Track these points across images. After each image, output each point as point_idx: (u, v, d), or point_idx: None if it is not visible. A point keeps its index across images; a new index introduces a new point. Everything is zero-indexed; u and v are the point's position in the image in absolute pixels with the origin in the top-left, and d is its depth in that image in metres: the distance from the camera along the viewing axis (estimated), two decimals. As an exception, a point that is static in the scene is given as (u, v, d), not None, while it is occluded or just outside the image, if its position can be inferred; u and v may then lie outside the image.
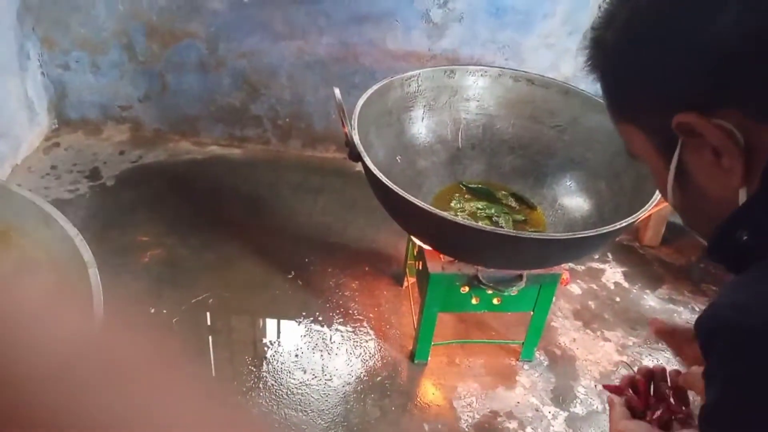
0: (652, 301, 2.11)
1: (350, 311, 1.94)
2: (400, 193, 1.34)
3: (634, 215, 1.38)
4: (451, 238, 1.43)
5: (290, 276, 2.04)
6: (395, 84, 1.76)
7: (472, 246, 1.42)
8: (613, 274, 2.19)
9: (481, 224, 1.37)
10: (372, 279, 2.06)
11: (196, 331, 1.84)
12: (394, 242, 2.18)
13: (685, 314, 2.06)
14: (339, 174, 2.53)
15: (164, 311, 1.85)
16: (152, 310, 1.85)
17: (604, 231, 1.33)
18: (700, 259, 2.29)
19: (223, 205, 2.30)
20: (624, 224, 1.35)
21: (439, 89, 1.84)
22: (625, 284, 2.17)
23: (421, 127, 1.84)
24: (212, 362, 1.77)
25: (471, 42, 2.29)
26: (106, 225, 2.14)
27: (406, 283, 2.02)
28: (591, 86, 2.32)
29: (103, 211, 2.20)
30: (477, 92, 1.87)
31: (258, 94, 2.47)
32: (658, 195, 1.42)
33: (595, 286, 2.14)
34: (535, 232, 1.65)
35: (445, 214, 1.30)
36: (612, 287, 2.15)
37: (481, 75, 1.86)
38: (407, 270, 1.99)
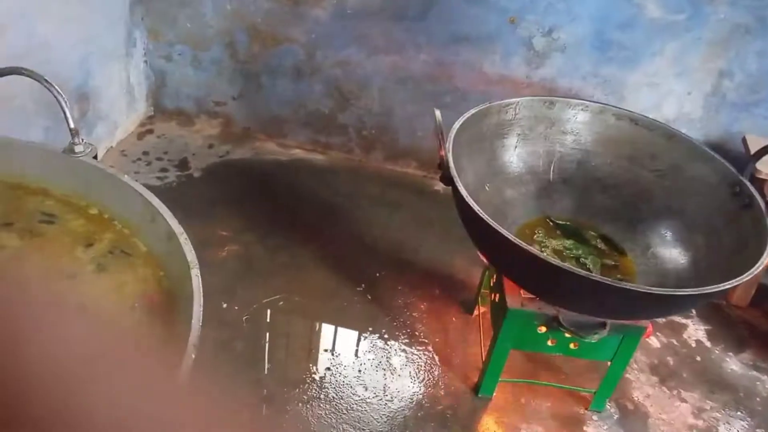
0: (734, 365, 1.98)
1: (416, 333, 1.91)
2: (491, 224, 1.30)
3: (737, 279, 1.29)
4: (537, 276, 1.38)
5: (360, 289, 2.03)
6: (492, 110, 1.72)
7: (559, 287, 1.37)
8: (695, 331, 2.07)
9: (573, 266, 1.31)
10: (441, 303, 2.03)
11: (264, 331, 1.85)
12: (466, 268, 2.14)
13: (771, 385, 1.93)
14: (418, 191, 2.51)
15: (236, 308, 1.87)
16: (224, 305, 1.88)
17: (704, 292, 1.26)
18: (791, 328, 2.15)
19: (302, 209, 2.32)
20: (727, 286, 1.27)
21: (536, 119, 1.80)
22: (708, 343, 2.05)
23: (512, 155, 1.80)
24: (276, 365, 1.77)
25: (571, 73, 2.23)
26: (189, 215, 2.15)
27: (476, 312, 1.97)
28: (695, 133, 2.23)
29: (188, 202, 2.26)
30: (575, 126, 1.81)
31: (347, 103, 2.49)
32: (763, 260, 1.34)
33: (675, 342, 2.03)
34: (624, 281, 1.58)
35: (536, 251, 1.26)
36: (693, 345, 2.03)
37: (582, 109, 1.81)
38: (479, 298, 1.95)
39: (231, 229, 2.16)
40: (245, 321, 1.85)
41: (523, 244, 1.27)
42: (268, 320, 1.88)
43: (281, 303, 1.92)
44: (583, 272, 1.21)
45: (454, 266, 2.16)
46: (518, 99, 1.76)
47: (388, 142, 2.55)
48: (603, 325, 1.52)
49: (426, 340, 1.89)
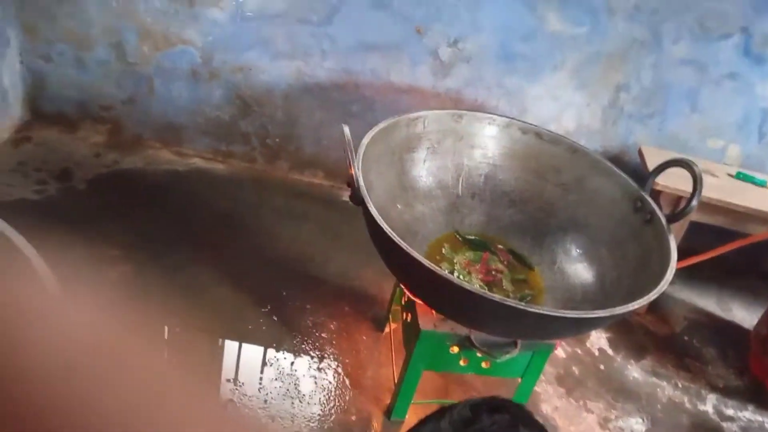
0: (636, 372, 2.05)
1: (326, 355, 1.82)
2: (404, 247, 1.24)
3: (643, 297, 1.31)
4: (450, 300, 1.34)
5: (265, 310, 1.92)
6: (401, 123, 1.67)
7: (472, 310, 1.33)
8: (597, 339, 2.12)
9: (489, 292, 1.28)
10: (352, 320, 1.95)
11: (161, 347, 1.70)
12: (377, 282, 2.08)
13: (668, 390, 2.01)
14: (325, 202, 2.43)
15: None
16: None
17: (614, 313, 1.26)
18: (684, 331, 2.25)
19: (201, 223, 2.17)
20: (635, 306, 1.28)
21: (445, 132, 1.76)
22: (610, 351, 2.10)
23: (422, 169, 1.76)
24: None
25: (476, 83, 2.23)
26: (72, 232, 1.98)
27: (387, 329, 1.91)
28: (594, 144, 2.28)
29: (71, 217, 2.05)
30: (482, 140, 1.80)
31: (250, 110, 2.36)
32: (668, 278, 1.36)
33: (579, 351, 2.07)
34: (532, 296, 1.57)
35: (452, 277, 1.21)
36: (596, 353, 2.08)
37: (489, 123, 1.79)
38: (390, 315, 1.89)
39: (122, 247, 1.98)
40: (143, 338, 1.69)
41: (437, 269, 1.22)
42: (164, 349, 1.72)
43: (178, 329, 1.78)
44: (497, 297, 1.18)
45: (364, 280, 2.10)
46: (427, 112, 1.71)
47: (293, 151, 2.45)
48: (514, 344, 1.51)
49: (336, 363, 1.81)
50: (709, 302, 2.44)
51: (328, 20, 2.14)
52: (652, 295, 1.30)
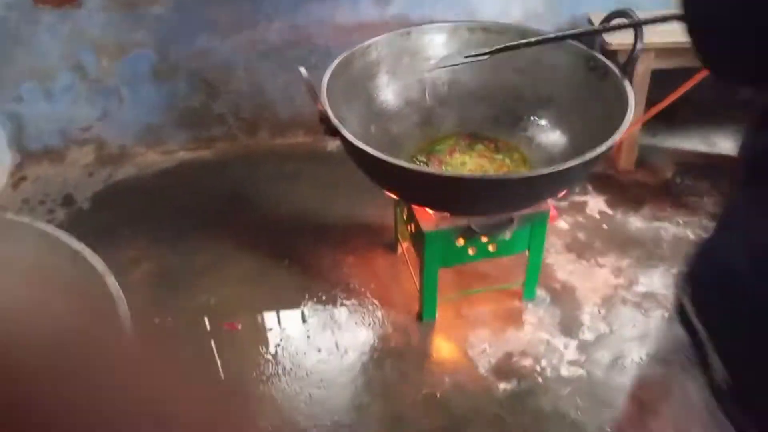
0: (637, 222, 2.17)
1: (351, 286, 1.96)
2: (383, 157, 1.36)
3: (609, 140, 1.41)
4: (438, 192, 1.45)
5: (286, 263, 2.05)
6: (356, 55, 1.76)
7: (461, 197, 1.45)
8: (595, 204, 2.24)
9: (466, 173, 1.39)
10: (366, 251, 2.09)
11: (206, 333, 1.85)
12: (380, 213, 2.20)
13: (671, 229, 2.13)
14: (312, 157, 2.54)
15: (169, 319, 1.85)
16: (156, 320, 1.85)
17: (584, 160, 1.37)
18: (675, 175, 2.36)
19: (205, 208, 2.29)
20: (602, 150, 1.39)
21: (399, 53, 1.85)
22: (609, 211, 2.23)
23: (387, 93, 1.85)
24: (229, 361, 1.78)
25: (419, 3, 2.30)
26: (90, 247, 2.11)
27: (400, 249, 2.04)
28: (546, 26, 2.36)
29: (85, 235, 2.17)
30: (436, 50, 1.88)
31: (217, 91, 2.45)
32: (629, 116, 1.46)
33: (581, 219, 2.19)
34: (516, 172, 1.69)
35: (429, 169, 1.32)
36: (597, 216, 2.21)
37: (437, 32, 1.88)
38: (399, 236, 2.02)
39: (138, 248, 2.11)
40: (182, 329, 1.83)
41: (417, 167, 1.33)
42: (207, 321, 1.87)
43: (213, 301, 1.92)
44: (477, 174, 1.30)
45: (368, 215, 2.22)
46: (376, 38, 1.80)
47: (269, 118, 2.55)
48: (511, 221, 1.63)
49: (363, 289, 1.95)
50: (694, 143, 2.54)
51: (263, -17, 2.21)
52: (616, 136, 1.40)
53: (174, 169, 2.49)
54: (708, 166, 2.41)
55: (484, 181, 1.32)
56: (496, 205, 1.52)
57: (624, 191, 2.30)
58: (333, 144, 2.62)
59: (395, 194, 1.62)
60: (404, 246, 2.02)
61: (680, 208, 2.22)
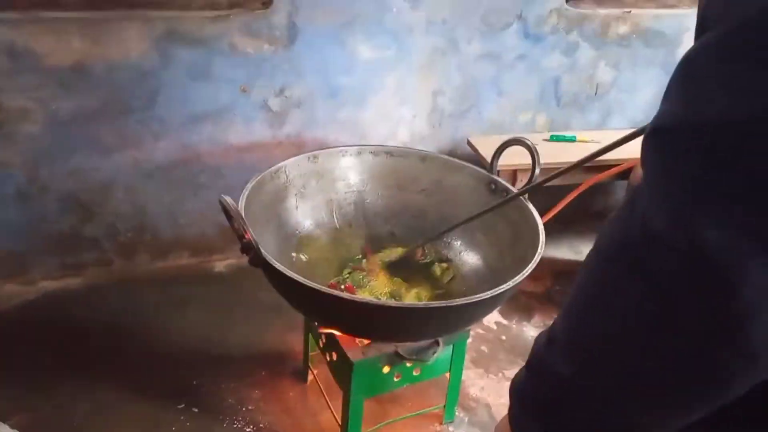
0: (532, 331, 2.27)
1: (261, 425, 1.79)
2: (319, 289, 1.29)
3: (529, 266, 1.45)
4: (372, 320, 1.40)
5: (181, 406, 1.84)
6: (266, 178, 1.71)
7: (393, 324, 1.41)
8: (491, 315, 2.32)
9: (413, 302, 1.37)
10: (274, 382, 1.94)
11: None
12: (282, 338, 2.09)
13: (563, 336, 2.24)
14: (200, 281, 2.37)
15: (47, 490, 1.55)
16: (30, 494, 1.54)
17: (499, 291, 1.35)
18: (554, 284, 2.53)
19: (79, 345, 2.01)
20: (519, 279, 1.41)
21: (307, 175, 1.84)
22: (504, 321, 2.30)
23: (297, 215, 1.81)
24: None
25: (312, 124, 2.33)
26: (-64, 406, 1.75)
27: (310, 376, 1.93)
28: (429, 146, 2.49)
29: (-74, 390, 1.80)
30: (342, 172, 1.90)
31: (91, 213, 2.24)
32: (542, 241, 1.54)
33: (481, 330, 2.24)
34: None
35: (370, 299, 1.29)
36: (494, 327, 2.27)
37: (342, 155, 1.90)
38: (309, 363, 1.91)
39: (5, 398, 1.79)
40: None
41: (357, 297, 1.29)
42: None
43: (100, 459, 1.65)
44: (412, 303, 1.28)
45: (269, 341, 2.09)
46: (285, 162, 1.77)
47: (150, 240, 2.36)
48: (437, 343, 1.62)
49: (275, 428, 1.79)
50: (563, 251, 2.76)
51: (151, 103, 2.11)
52: (532, 265, 1.46)
53: (37, 301, 2.19)
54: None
55: (427, 309, 1.30)
56: (425, 331, 1.50)
57: (515, 301, 2.40)
58: (221, 264, 2.48)
59: (327, 323, 1.54)
60: (315, 373, 1.91)
61: (566, 314, 2.36)
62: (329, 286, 1.73)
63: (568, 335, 0.58)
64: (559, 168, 1.43)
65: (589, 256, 0.57)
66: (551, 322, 0.63)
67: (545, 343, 0.61)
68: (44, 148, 2.07)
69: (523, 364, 0.68)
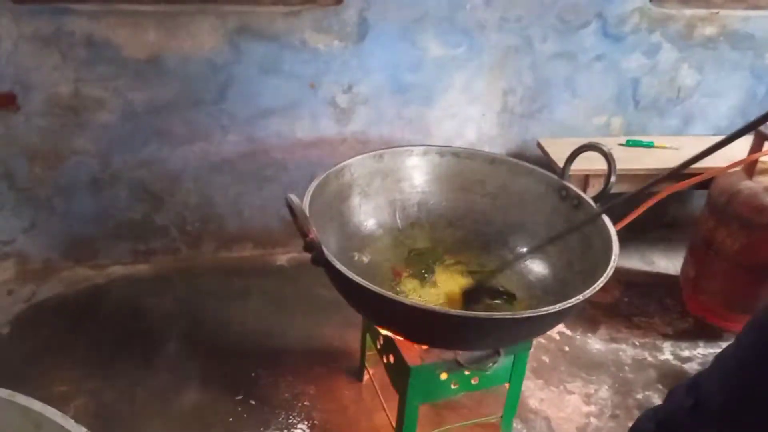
0: (596, 344, 2.17)
1: (315, 421, 1.79)
2: (381, 293, 1.27)
3: (600, 280, 1.37)
4: (432, 328, 1.37)
5: (239, 397, 1.86)
6: (330, 177, 1.70)
7: (456, 332, 1.37)
8: (555, 324, 2.24)
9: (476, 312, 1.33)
10: (329, 380, 1.94)
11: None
12: (340, 334, 2.08)
13: (629, 350, 2.15)
14: (262, 272, 2.40)
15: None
16: (93, 474, 1.59)
17: (568, 305, 1.29)
18: (623, 294, 2.42)
19: (143, 331, 2.07)
20: (589, 293, 1.34)
21: (371, 174, 1.81)
22: (568, 332, 2.22)
23: (360, 214, 1.80)
24: None
25: (378, 121, 2.31)
26: (12, 382, 1.82)
27: (366, 376, 1.92)
28: (497, 148, 2.43)
29: (5, 367, 1.89)
30: (407, 172, 1.87)
31: (161, 202, 2.30)
32: (615, 257, 1.45)
33: (543, 340, 2.17)
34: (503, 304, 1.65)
35: (427, 305, 1.25)
36: (557, 337, 2.19)
37: (408, 155, 1.87)
38: (365, 363, 1.90)
39: (70, 380, 1.85)
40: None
41: (421, 304, 1.25)
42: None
43: (160, 445, 1.69)
44: (482, 314, 1.24)
45: (327, 336, 2.09)
46: (350, 160, 1.76)
47: (215, 231, 2.40)
48: (497, 353, 1.57)
49: (328, 425, 1.78)
50: (633, 261, 2.64)
51: (222, 96, 2.14)
52: (609, 272, 1.39)
53: (107, 286, 2.26)
54: (651, 284, 2.50)
55: (491, 320, 1.26)
56: (487, 342, 1.45)
57: (580, 311, 2.31)
58: (283, 257, 2.50)
59: (383, 325, 1.51)
60: (371, 373, 1.90)
61: (633, 329, 2.25)
62: (394, 273, 1.72)
63: (722, 405, 0.52)
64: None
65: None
66: (692, 378, 0.56)
67: (691, 407, 0.54)
68: (118, 138, 2.13)
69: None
